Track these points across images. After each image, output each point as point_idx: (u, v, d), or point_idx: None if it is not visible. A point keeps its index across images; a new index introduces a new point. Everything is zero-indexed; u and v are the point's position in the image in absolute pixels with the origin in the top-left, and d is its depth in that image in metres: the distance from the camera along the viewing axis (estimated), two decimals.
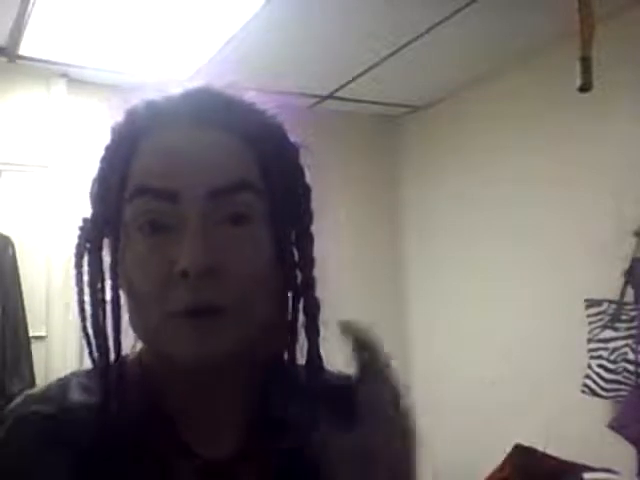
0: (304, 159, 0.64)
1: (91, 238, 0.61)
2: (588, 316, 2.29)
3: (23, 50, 2.54)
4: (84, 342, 0.60)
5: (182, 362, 0.56)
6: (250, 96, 0.63)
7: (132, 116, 0.61)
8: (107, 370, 0.58)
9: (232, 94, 0.62)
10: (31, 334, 2.58)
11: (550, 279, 2.61)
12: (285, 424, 0.60)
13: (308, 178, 0.64)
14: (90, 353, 0.60)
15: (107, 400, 0.58)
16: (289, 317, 0.61)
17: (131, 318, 0.58)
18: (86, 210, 0.63)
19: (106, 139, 0.62)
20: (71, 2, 2.16)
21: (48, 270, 2.74)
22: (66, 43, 2.49)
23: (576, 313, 2.32)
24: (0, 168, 2.67)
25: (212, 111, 0.59)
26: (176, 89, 0.62)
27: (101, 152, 0.62)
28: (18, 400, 0.62)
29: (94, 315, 0.59)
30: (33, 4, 2.17)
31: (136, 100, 0.62)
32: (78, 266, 0.61)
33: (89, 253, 0.60)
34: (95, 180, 0.62)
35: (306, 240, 0.62)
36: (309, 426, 0.58)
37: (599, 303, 2.26)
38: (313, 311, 0.61)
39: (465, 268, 3.06)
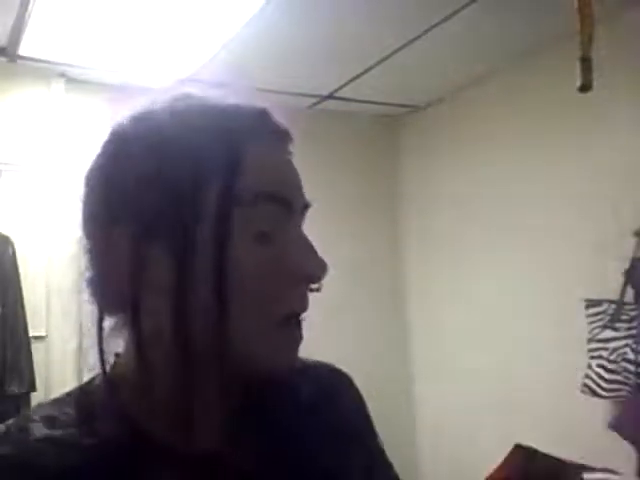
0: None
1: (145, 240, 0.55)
2: (588, 316, 2.29)
3: (23, 50, 2.55)
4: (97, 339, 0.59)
5: (273, 368, 0.57)
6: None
7: (233, 121, 0.58)
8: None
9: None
10: (31, 334, 2.58)
11: (550, 279, 2.61)
12: (264, 420, 0.62)
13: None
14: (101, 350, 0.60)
15: (87, 423, 0.57)
16: None
17: (219, 324, 0.54)
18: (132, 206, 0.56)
19: (179, 134, 0.57)
20: (71, 2, 2.16)
21: (48, 270, 2.74)
22: (66, 43, 2.49)
23: (576, 313, 2.33)
24: (0, 168, 2.67)
25: (285, 129, 0.62)
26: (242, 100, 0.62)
27: (150, 154, 0.56)
28: None
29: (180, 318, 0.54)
30: (33, 4, 2.17)
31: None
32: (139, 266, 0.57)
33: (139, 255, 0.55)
34: (147, 181, 0.55)
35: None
36: (289, 422, 0.62)
37: (599, 303, 2.26)
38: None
39: (464, 267, 3.06)
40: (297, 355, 0.58)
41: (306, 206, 0.61)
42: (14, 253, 2.58)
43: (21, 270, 2.60)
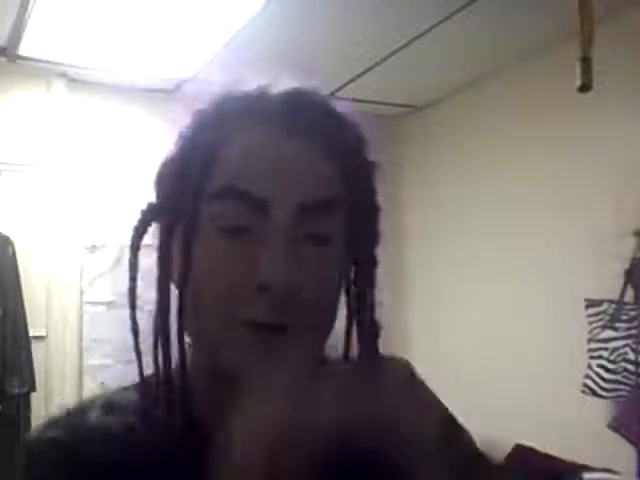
0: (379, 178, 0.61)
1: (163, 226, 0.57)
2: (588, 316, 2.29)
3: (23, 50, 2.55)
4: (131, 331, 0.57)
5: (233, 372, 0.52)
6: (342, 106, 0.59)
7: (222, 108, 0.57)
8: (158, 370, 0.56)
9: (326, 102, 0.59)
10: (31, 334, 2.59)
11: (550, 279, 2.61)
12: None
13: (379, 199, 0.61)
14: (136, 345, 0.58)
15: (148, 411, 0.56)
16: (347, 339, 0.59)
17: (189, 316, 0.55)
18: (149, 195, 0.59)
19: (185, 125, 0.58)
20: (71, 2, 2.16)
21: (48, 270, 2.74)
22: (66, 43, 2.49)
23: (576, 313, 2.32)
24: (0, 168, 2.67)
25: (307, 121, 0.55)
26: (270, 88, 0.57)
27: (179, 138, 0.58)
28: (41, 424, 0.58)
29: (161, 302, 0.56)
30: (33, 4, 2.17)
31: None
32: (134, 249, 0.59)
33: (160, 247, 0.57)
34: (168, 168, 0.58)
35: (370, 263, 0.60)
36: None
37: (599, 303, 2.26)
38: (372, 334, 0.59)
39: (465, 267, 3.06)
40: (273, 366, 0.51)
41: (304, 206, 0.53)
42: (14, 253, 2.58)
43: (21, 270, 2.60)
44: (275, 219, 0.52)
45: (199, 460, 0.52)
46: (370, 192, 0.60)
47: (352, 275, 0.59)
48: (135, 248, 0.58)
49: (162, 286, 0.56)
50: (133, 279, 0.58)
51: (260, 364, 0.51)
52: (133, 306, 0.58)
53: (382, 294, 0.60)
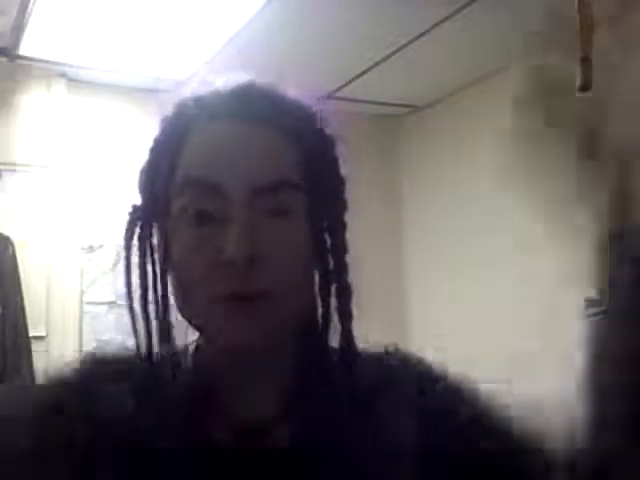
0: (340, 150, 0.68)
1: (141, 224, 0.64)
2: (588, 316, 2.29)
3: (23, 50, 2.55)
4: (130, 324, 0.63)
5: (222, 343, 0.60)
6: (294, 91, 0.65)
7: (181, 109, 0.64)
8: (152, 353, 0.62)
9: (278, 89, 0.64)
10: (31, 334, 2.58)
11: (550, 279, 2.61)
12: (320, 396, 0.62)
13: (343, 169, 0.68)
14: (135, 334, 0.63)
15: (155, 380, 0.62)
16: (322, 302, 0.64)
17: (176, 300, 0.61)
18: (134, 198, 0.66)
19: (155, 131, 0.65)
20: (71, 2, 2.16)
21: (48, 270, 2.74)
22: (66, 43, 2.49)
23: (576, 313, 2.32)
24: (0, 168, 2.67)
25: (259, 107, 0.61)
26: (224, 83, 0.63)
27: (150, 143, 0.65)
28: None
29: (143, 294, 0.62)
30: (33, 4, 2.17)
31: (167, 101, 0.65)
32: (127, 249, 0.64)
33: (139, 239, 0.64)
34: (143, 170, 0.65)
35: (339, 228, 0.67)
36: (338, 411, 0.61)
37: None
38: (346, 296, 0.64)
39: (465, 267, 3.06)
40: (250, 330, 0.57)
41: (258, 188, 0.58)
42: (14, 253, 2.58)
43: (21, 270, 2.60)
44: (231, 201, 0.57)
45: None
46: (332, 165, 0.67)
47: (328, 243, 0.65)
48: (127, 250, 0.64)
49: (144, 276, 0.62)
50: (128, 282, 0.64)
51: (236, 331, 0.57)
52: (131, 307, 0.63)
53: (356, 260, 0.66)
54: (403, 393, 0.65)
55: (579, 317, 2.32)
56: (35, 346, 2.60)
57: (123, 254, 0.64)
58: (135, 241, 0.64)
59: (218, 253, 0.56)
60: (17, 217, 2.70)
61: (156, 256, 0.63)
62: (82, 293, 2.84)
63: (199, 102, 0.63)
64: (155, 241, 0.63)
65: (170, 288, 0.61)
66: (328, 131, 0.66)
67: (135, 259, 0.64)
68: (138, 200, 0.66)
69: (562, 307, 2.52)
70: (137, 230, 0.64)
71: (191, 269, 0.59)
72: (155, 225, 0.63)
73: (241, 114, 0.60)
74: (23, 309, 2.57)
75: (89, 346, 2.86)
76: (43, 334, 2.70)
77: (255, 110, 0.60)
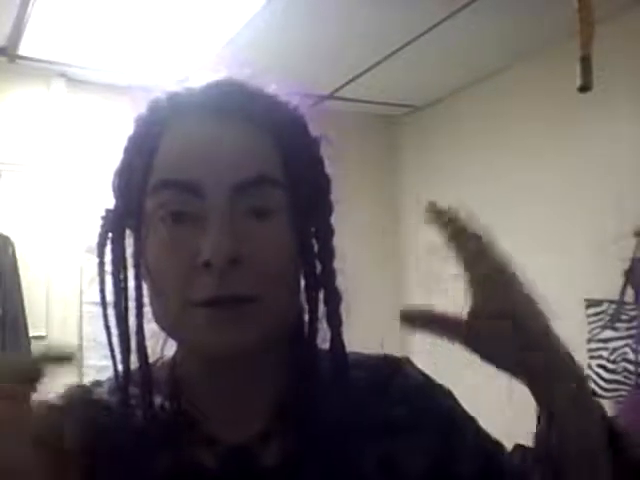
0: (324, 150, 0.63)
1: (114, 228, 0.62)
2: (588, 316, 2.29)
3: (23, 50, 2.55)
4: (104, 330, 0.61)
5: (203, 351, 0.57)
6: (273, 88, 0.62)
7: (155, 108, 0.62)
8: (129, 362, 0.60)
9: (254, 86, 0.61)
10: (31, 334, 2.58)
11: (550, 278, 2.61)
12: (308, 408, 0.59)
13: (328, 169, 0.63)
14: (110, 343, 0.60)
15: (126, 398, 0.60)
16: (310, 307, 0.61)
17: (152, 307, 0.58)
18: (108, 201, 0.63)
19: (129, 130, 0.63)
20: (71, 2, 2.16)
21: (48, 270, 2.74)
22: (66, 43, 2.49)
23: (576, 313, 2.32)
24: (0, 168, 2.67)
25: (235, 103, 0.58)
26: (198, 80, 0.61)
27: (124, 143, 0.62)
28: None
29: (117, 303, 0.60)
30: (33, 4, 2.17)
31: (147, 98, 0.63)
32: (100, 255, 0.63)
33: (112, 243, 0.61)
34: (117, 171, 0.62)
35: (326, 231, 0.62)
36: (334, 411, 0.58)
37: (599, 303, 2.26)
38: (334, 301, 0.61)
39: None
40: (229, 336, 0.54)
41: (237, 186, 0.55)
42: (14, 253, 2.58)
43: (21, 270, 2.60)
44: (210, 200, 0.55)
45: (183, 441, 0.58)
46: (316, 164, 0.62)
47: (315, 246, 0.61)
48: (101, 257, 0.63)
49: (117, 284, 0.60)
50: (102, 282, 0.62)
51: (217, 338, 0.54)
52: (105, 307, 0.61)
53: (343, 263, 0.63)
54: (395, 400, 0.64)
55: (579, 317, 2.33)
56: (35, 346, 2.60)
57: (97, 261, 0.63)
58: (108, 247, 0.62)
59: (196, 255, 0.54)
60: (17, 217, 2.70)
61: (130, 262, 0.60)
62: (82, 293, 2.84)
63: (173, 100, 0.60)
64: (129, 246, 0.60)
65: (145, 298, 0.58)
66: (311, 130, 0.62)
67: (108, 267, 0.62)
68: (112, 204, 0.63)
69: (562, 307, 2.52)
70: (110, 235, 0.62)
71: (167, 272, 0.56)
72: (129, 229, 0.60)
73: (216, 111, 0.58)
74: (23, 309, 2.57)
75: (89, 346, 2.86)
76: (43, 334, 2.70)
77: (230, 106, 0.58)
